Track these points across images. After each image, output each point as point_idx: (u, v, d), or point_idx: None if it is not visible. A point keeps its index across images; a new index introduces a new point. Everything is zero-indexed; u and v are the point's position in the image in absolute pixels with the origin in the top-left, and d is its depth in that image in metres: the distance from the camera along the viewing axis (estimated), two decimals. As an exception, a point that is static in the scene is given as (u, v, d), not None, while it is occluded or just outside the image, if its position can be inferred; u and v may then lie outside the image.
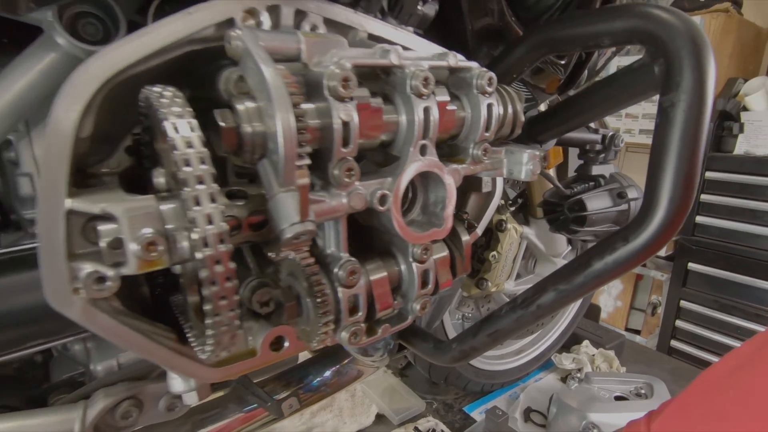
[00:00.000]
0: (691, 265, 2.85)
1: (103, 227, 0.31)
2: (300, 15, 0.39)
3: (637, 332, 3.40)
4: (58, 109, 0.30)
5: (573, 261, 0.56)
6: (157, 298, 0.47)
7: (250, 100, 0.30)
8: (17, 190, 0.59)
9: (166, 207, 0.31)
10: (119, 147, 0.45)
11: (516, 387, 1.73)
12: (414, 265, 0.41)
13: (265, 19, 0.38)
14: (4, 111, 0.51)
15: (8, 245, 0.62)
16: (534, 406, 1.59)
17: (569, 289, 0.56)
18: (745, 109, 2.65)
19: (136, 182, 0.44)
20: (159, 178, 0.34)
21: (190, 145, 0.27)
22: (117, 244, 0.31)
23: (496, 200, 0.58)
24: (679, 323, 2.97)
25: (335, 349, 0.86)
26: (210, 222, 0.27)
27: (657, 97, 0.49)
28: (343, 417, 1.56)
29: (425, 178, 0.40)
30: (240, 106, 0.30)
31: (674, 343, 3.00)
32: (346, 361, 0.79)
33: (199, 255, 0.27)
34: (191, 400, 0.51)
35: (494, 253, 1.14)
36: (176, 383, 0.51)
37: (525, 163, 0.44)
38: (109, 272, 0.33)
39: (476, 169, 0.43)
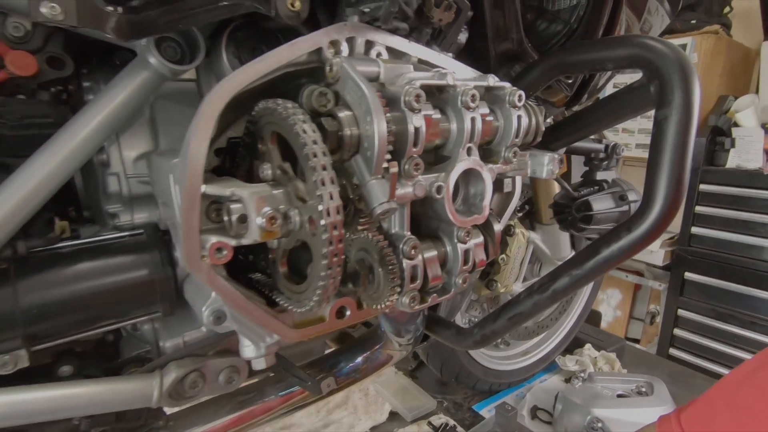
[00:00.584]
0: (688, 275, 2.94)
1: (233, 206, 0.40)
2: (369, 44, 0.50)
3: (637, 341, 3.48)
4: (204, 109, 0.40)
5: (584, 250, 0.66)
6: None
7: (347, 109, 0.40)
8: (106, 188, 0.68)
9: (276, 192, 0.40)
10: (211, 149, 0.55)
11: (522, 387, 1.80)
12: (458, 245, 0.50)
13: (344, 48, 0.48)
14: (108, 122, 0.60)
15: (89, 236, 0.71)
16: (540, 405, 1.66)
17: (581, 274, 0.65)
18: (735, 124, 2.78)
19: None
20: (267, 171, 0.44)
21: (315, 142, 0.37)
22: (243, 219, 0.40)
23: (516, 200, 0.68)
24: (677, 332, 3.05)
25: (365, 337, 0.94)
26: (331, 198, 0.36)
27: (652, 113, 0.59)
28: (358, 414, 1.63)
29: (467, 175, 0.50)
30: (341, 114, 0.40)
31: (673, 351, 3.07)
32: (376, 347, 0.88)
33: (323, 222, 0.36)
34: (260, 365, 0.60)
35: (503, 256, 1.23)
36: (248, 350, 0.59)
37: (546, 164, 0.54)
38: (231, 242, 0.42)
39: (507, 169, 0.53)
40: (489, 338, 0.81)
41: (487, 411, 1.66)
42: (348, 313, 0.54)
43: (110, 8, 0.54)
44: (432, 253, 0.48)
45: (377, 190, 0.39)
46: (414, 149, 0.42)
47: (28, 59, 0.60)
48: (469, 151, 0.47)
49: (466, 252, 0.51)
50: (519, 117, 0.50)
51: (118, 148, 0.68)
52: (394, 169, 0.40)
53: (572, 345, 1.95)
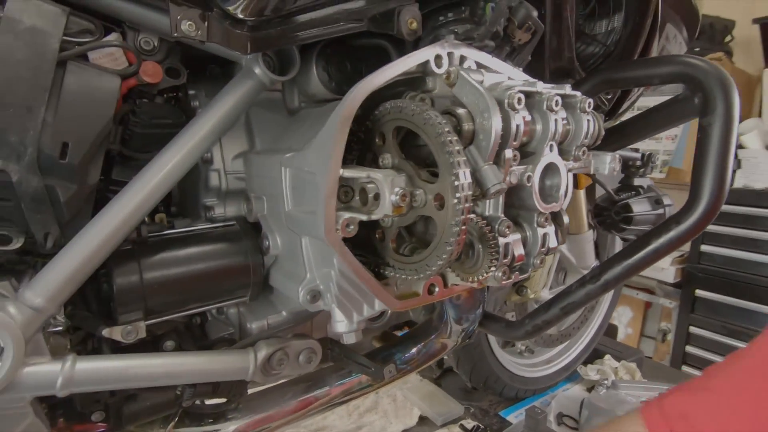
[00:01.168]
0: (699, 292, 3.00)
1: (369, 185, 0.49)
2: (462, 58, 0.59)
3: (649, 359, 3.49)
4: (348, 103, 0.48)
5: (634, 242, 0.74)
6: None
7: (462, 107, 0.50)
8: (207, 182, 0.77)
9: (402, 175, 0.49)
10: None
11: (546, 395, 1.85)
12: (537, 229, 0.59)
13: (444, 62, 0.57)
14: (220, 125, 0.69)
15: (186, 226, 0.79)
16: (565, 412, 1.71)
17: (632, 264, 0.74)
18: (741, 147, 2.90)
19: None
20: (387, 160, 0.52)
21: (449, 131, 0.45)
22: (376, 197, 0.49)
23: (569, 198, 0.77)
24: (689, 349, 3.09)
25: (420, 330, 1.01)
26: (465, 176, 0.45)
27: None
28: (388, 418, 1.68)
29: (547, 169, 0.59)
30: (460, 111, 0.49)
31: (685, 369, 3.10)
32: (432, 336, 0.95)
33: (458, 195, 0.45)
34: (350, 339, 0.67)
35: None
36: (341, 325, 0.67)
37: (609, 162, 0.63)
38: (362, 217, 0.50)
39: (575, 166, 0.62)
40: (540, 328, 0.88)
41: (513, 417, 1.70)
42: (437, 289, 0.62)
43: (237, 29, 0.64)
44: (517, 236, 0.57)
45: (490, 173, 0.47)
46: (514, 143, 0.51)
47: (156, 69, 0.69)
48: (551, 148, 0.56)
49: (544, 235, 0.59)
50: (588, 121, 0.59)
51: (220, 147, 0.77)
52: (509, 155, 0.49)
53: (591, 356, 2.00)
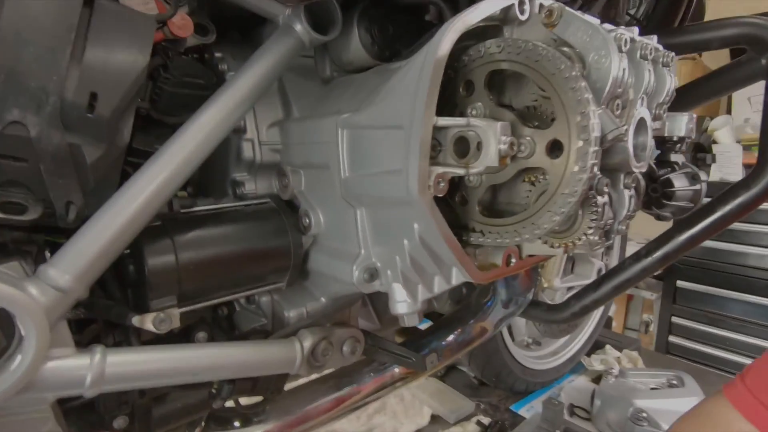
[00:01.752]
0: (680, 283, 3.10)
1: (469, 134, 0.43)
2: (541, 7, 0.54)
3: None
4: (444, 41, 0.42)
5: (696, 211, 0.71)
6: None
7: (568, 47, 0.45)
8: (240, 153, 0.69)
9: (504, 123, 0.43)
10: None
11: (553, 387, 1.83)
12: (624, 191, 0.55)
13: (527, 8, 0.52)
14: (256, 89, 0.61)
15: (205, 205, 0.71)
16: (576, 403, 1.69)
17: (696, 234, 0.71)
18: (715, 142, 3.03)
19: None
20: (479, 109, 0.47)
21: (572, 65, 0.40)
22: (479, 147, 0.43)
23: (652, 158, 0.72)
24: (672, 339, 3.18)
25: (455, 316, 0.95)
26: (595, 118, 0.40)
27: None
28: (398, 418, 1.60)
29: (637, 125, 0.55)
30: (567, 50, 0.44)
31: (669, 358, 3.19)
32: (470, 321, 0.89)
33: (588, 149, 0.39)
34: (413, 321, 0.61)
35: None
36: (402, 305, 0.60)
37: (686, 123, 0.60)
38: (459, 171, 0.44)
39: (655, 126, 0.58)
40: (589, 308, 0.84)
41: (525, 411, 1.67)
42: (513, 261, 0.57)
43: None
44: (605, 198, 0.52)
45: (606, 118, 0.43)
46: (618, 90, 0.46)
47: (187, 21, 0.61)
48: (642, 102, 0.52)
49: (630, 197, 0.55)
50: (671, 77, 0.56)
51: (253, 115, 0.69)
52: (619, 101, 0.45)
53: (593, 347, 2.00)
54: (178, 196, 0.64)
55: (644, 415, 1.43)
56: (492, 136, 0.42)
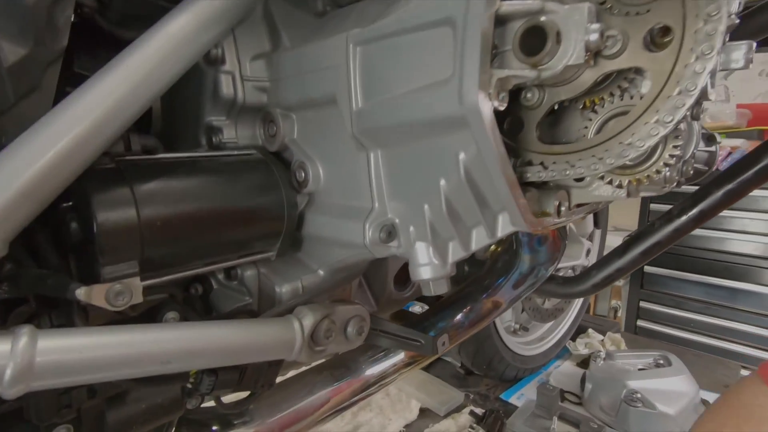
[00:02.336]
0: (647, 268, 3.18)
1: (547, 21, 0.32)
2: None
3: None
4: None
5: (736, 163, 0.65)
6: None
7: None
8: (217, 90, 0.55)
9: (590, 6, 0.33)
10: None
11: (541, 374, 1.78)
12: (694, 123, 0.46)
13: None
14: (235, 4, 0.48)
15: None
16: (565, 388, 1.64)
17: (736, 188, 0.64)
18: (678, 130, 3.13)
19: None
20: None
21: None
22: (558, 39, 0.32)
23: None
24: (640, 323, 3.26)
25: (464, 291, 0.85)
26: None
27: None
28: (386, 414, 1.49)
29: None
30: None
31: (648, 339, 3.27)
32: (483, 296, 0.79)
33: (712, 32, 0.30)
34: (440, 288, 0.50)
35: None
36: (425, 270, 0.49)
37: (745, 53, 0.52)
38: (527, 73, 0.34)
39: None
40: (612, 278, 0.76)
41: (515, 399, 1.61)
42: (563, 208, 0.47)
43: None
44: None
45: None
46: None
47: None
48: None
49: (699, 132, 0.47)
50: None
51: (233, 43, 0.56)
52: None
53: (576, 332, 1.98)
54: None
55: (638, 395, 1.40)
56: (577, 24, 0.32)
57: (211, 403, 0.62)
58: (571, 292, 0.81)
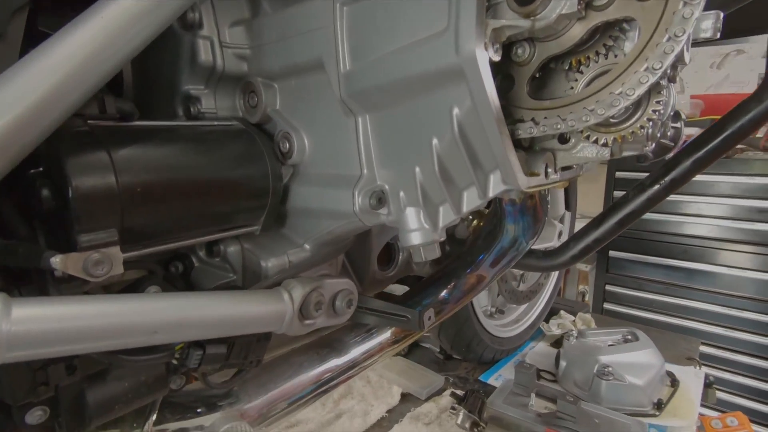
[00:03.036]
0: (612, 253, 3.33)
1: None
2: None
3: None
4: None
5: (705, 131, 0.68)
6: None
7: None
8: (196, 56, 0.53)
9: None
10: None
11: (517, 355, 1.83)
12: (670, 84, 0.48)
13: None
14: None
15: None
16: (540, 367, 1.69)
17: (704, 156, 0.67)
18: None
19: None
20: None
21: None
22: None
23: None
24: (606, 305, 3.40)
25: (445, 271, 0.86)
26: None
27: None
28: (367, 400, 1.49)
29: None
30: None
31: (615, 319, 3.41)
32: (467, 271, 0.80)
33: None
34: (432, 254, 0.50)
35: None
36: (415, 235, 0.49)
37: (713, 22, 0.55)
38: (521, 23, 0.34)
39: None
40: (590, 248, 0.79)
41: (494, 380, 1.64)
42: (549, 170, 0.48)
43: None
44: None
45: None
46: None
47: None
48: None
49: (674, 94, 0.49)
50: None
51: (211, 6, 0.54)
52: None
53: (549, 313, 2.04)
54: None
55: (609, 369, 1.47)
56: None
57: (194, 387, 0.60)
58: (550, 265, 0.83)
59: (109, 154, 0.41)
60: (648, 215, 3.22)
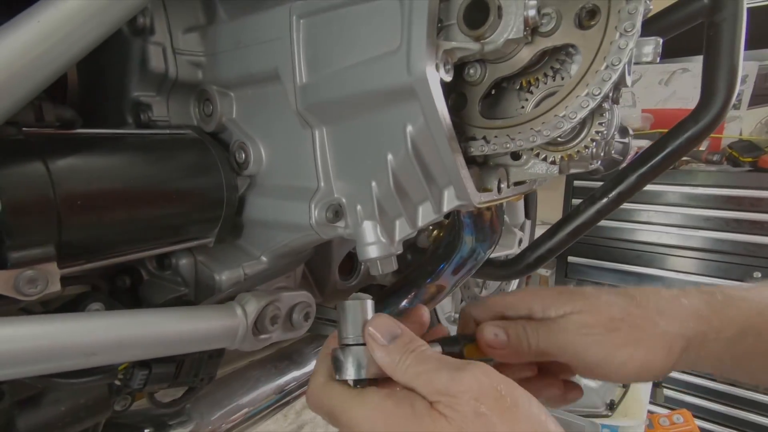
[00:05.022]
0: (570, 258, 3.47)
1: (489, -4, 0.33)
2: None
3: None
4: None
5: (648, 148, 0.72)
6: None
7: None
8: (146, 62, 0.51)
9: None
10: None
11: (480, 360, 1.86)
12: (615, 106, 0.51)
13: None
14: None
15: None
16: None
17: (647, 171, 0.71)
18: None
19: None
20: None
21: None
22: (500, 13, 0.34)
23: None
24: (565, 309, 3.54)
25: (406, 280, 0.86)
26: None
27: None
28: (331, 410, 1.48)
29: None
30: None
31: None
32: (428, 280, 0.81)
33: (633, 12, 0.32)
34: (388, 267, 0.50)
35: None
36: (373, 249, 0.49)
37: (653, 48, 0.59)
38: (470, 46, 0.35)
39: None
40: (545, 258, 0.82)
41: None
42: (503, 185, 0.49)
43: None
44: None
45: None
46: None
47: None
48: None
49: (617, 116, 0.51)
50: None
51: (164, 11, 0.52)
52: None
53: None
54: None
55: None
56: (516, 1, 0.33)
57: (142, 405, 0.58)
58: (507, 273, 0.86)
59: (45, 164, 0.38)
60: (603, 222, 3.37)
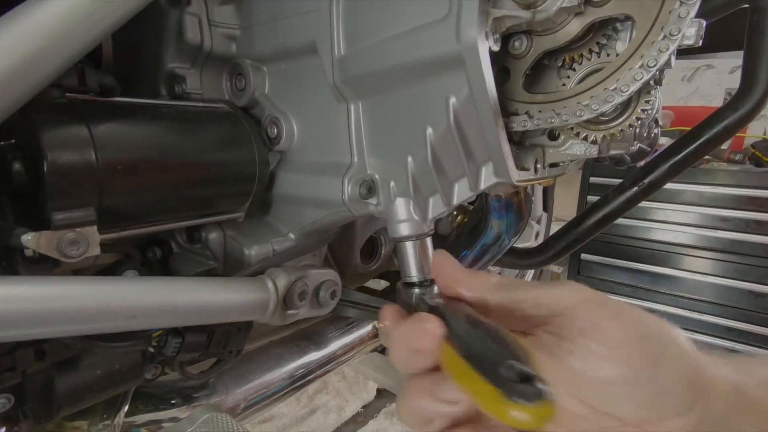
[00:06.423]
0: (584, 256, 3.43)
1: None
2: None
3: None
4: None
5: (681, 138, 0.70)
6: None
7: None
8: (182, 33, 0.51)
9: None
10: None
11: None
12: (657, 87, 0.49)
13: None
14: None
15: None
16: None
17: (681, 160, 0.70)
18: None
19: None
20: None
21: None
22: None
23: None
24: (576, 306, 3.51)
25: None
26: None
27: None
28: (343, 396, 1.49)
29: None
30: None
31: None
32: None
33: None
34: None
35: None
36: (404, 227, 0.49)
37: (696, 30, 0.57)
38: (521, 14, 0.34)
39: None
40: (571, 247, 0.81)
41: (468, 376, 1.66)
42: (539, 166, 0.48)
43: None
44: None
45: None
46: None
47: None
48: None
49: (659, 97, 0.50)
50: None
51: (200, -20, 0.52)
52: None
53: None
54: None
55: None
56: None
57: (168, 378, 0.58)
58: (531, 263, 0.85)
59: (89, 128, 0.38)
60: (618, 220, 3.32)
